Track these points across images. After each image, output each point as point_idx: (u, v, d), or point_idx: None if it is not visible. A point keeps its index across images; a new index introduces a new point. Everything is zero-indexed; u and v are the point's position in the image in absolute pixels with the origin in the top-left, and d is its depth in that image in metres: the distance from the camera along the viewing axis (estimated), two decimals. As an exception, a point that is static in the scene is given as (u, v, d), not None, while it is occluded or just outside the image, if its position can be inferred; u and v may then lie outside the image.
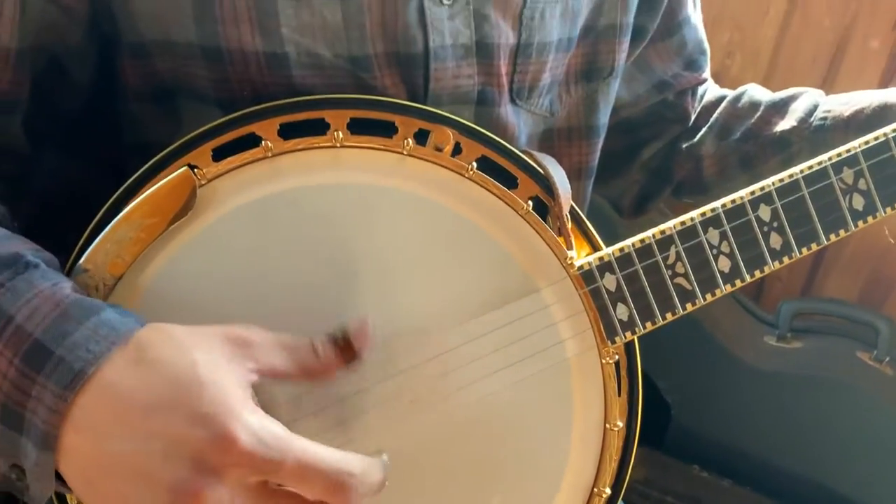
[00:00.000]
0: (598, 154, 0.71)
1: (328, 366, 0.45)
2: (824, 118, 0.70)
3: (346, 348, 0.45)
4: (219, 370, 0.41)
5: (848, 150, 0.56)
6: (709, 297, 0.54)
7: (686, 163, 0.78)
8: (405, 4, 0.54)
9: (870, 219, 0.56)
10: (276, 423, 0.40)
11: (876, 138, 0.56)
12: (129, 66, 0.57)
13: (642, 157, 0.80)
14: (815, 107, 0.72)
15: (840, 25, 1.29)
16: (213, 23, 0.53)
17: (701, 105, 0.79)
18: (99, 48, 0.58)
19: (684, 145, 0.78)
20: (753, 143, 0.74)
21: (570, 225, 0.56)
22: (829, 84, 1.34)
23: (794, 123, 0.72)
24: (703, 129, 0.77)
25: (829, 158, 0.55)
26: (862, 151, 0.55)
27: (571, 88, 0.67)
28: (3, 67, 0.54)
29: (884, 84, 1.31)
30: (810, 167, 0.55)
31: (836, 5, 1.28)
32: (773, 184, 0.55)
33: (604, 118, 0.70)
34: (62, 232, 0.62)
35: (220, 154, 0.52)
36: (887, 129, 0.56)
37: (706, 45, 0.78)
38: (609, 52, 0.67)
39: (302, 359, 0.44)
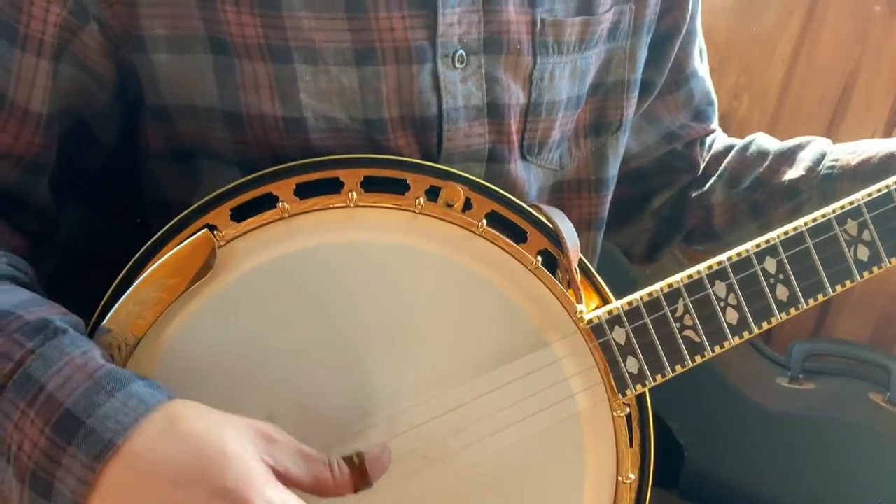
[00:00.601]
0: (607, 205, 0.72)
1: (340, 486, 0.46)
2: (832, 167, 0.71)
3: (361, 473, 0.47)
4: (244, 446, 0.42)
5: (851, 202, 0.57)
6: (717, 350, 0.55)
7: (696, 211, 0.79)
8: (420, 70, 0.56)
9: (875, 269, 0.57)
10: (295, 498, 0.42)
11: (878, 190, 0.57)
12: (151, 127, 0.59)
13: (653, 205, 0.81)
14: (823, 155, 0.73)
15: (845, 69, 1.31)
16: (234, 89, 0.55)
17: (710, 154, 0.81)
18: (123, 110, 0.60)
19: (694, 194, 0.79)
20: (763, 191, 0.75)
21: (579, 278, 0.57)
22: (835, 125, 1.36)
23: (803, 172, 0.73)
24: (713, 179, 0.78)
25: (833, 210, 0.56)
26: (865, 203, 0.57)
27: (581, 142, 0.69)
28: (33, 132, 0.56)
29: (890, 125, 1.32)
30: (814, 219, 0.56)
31: (841, 49, 1.30)
32: (778, 236, 0.56)
33: (613, 170, 0.71)
34: (84, 284, 0.64)
35: (238, 213, 0.54)
36: (889, 181, 0.57)
37: (713, 96, 0.80)
38: (617, 108, 0.69)
39: (317, 472, 0.45)
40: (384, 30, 0.55)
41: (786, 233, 0.56)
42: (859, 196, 0.57)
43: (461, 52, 0.57)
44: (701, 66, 0.78)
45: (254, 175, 0.55)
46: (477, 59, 0.58)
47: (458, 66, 0.58)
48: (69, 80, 0.56)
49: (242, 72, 0.54)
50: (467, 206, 0.56)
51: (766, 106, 1.39)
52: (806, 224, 0.56)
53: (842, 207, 0.56)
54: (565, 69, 0.63)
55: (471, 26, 0.57)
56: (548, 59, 0.62)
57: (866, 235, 0.56)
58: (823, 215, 0.56)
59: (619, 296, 0.61)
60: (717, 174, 0.78)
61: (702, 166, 0.80)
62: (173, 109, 0.57)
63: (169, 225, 0.54)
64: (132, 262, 0.54)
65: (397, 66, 0.56)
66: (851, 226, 0.56)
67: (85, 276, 0.67)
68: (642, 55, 0.69)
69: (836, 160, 0.71)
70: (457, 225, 0.54)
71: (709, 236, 0.80)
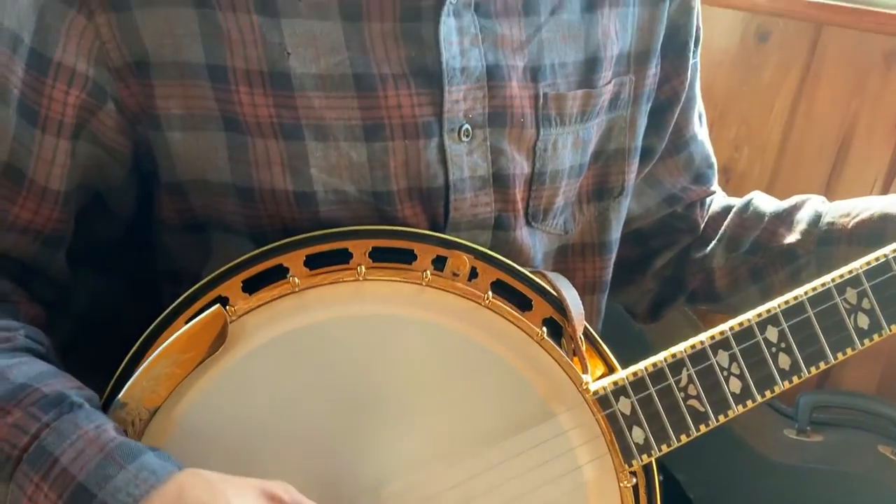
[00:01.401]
0: (611, 269, 0.73)
1: None
2: (828, 231, 0.72)
3: None
4: None
5: (850, 271, 0.58)
6: (721, 419, 0.56)
7: (698, 274, 0.80)
8: (427, 144, 0.58)
9: (875, 337, 0.58)
10: None
11: (877, 259, 0.58)
12: (165, 200, 0.61)
13: (655, 266, 0.82)
14: (819, 217, 0.74)
15: (843, 121, 1.33)
16: (246, 166, 0.57)
17: (709, 215, 0.82)
18: (138, 184, 0.62)
19: (696, 256, 0.80)
20: (762, 255, 0.76)
21: (584, 346, 0.58)
22: (835, 177, 1.37)
23: (800, 236, 0.74)
24: (713, 242, 0.79)
25: (833, 279, 0.57)
26: (864, 272, 0.58)
27: (584, 207, 0.70)
28: (51, 208, 0.58)
29: (890, 176, 1.34)
30: (814, 288, 0.57)
31: (839, 102, 1.33)
32: (779, 305, 0.57)
33: (616, 234, 0.73)
34: (98, 349, 0.65)
35: (249, 285, 0.55)
36: (887, 249, 0.58)
37: (713, 159, 0.81)
38: (619, 174, 0.70)
39: None
40: (392, 107, 0.57)
41: (786, 302, 0.57)
42: (858, 265, 0.58)
43: (467, 126, 0.59)
44: (700, 129, 0.80)
45: (265, 248, 0.56)
46: (482, 133, 0.60)
47: (463, 139, 0.59)
48: (86, 157, 0.58)
49: (255, 149, 0.56)
50: (473, 274, 0.57)
51: (766, 158, 1.41)
52: (806, 293, 0.57)
53: (841, 276, 0.57)
54: (568, 139, 0.65)
55: (476, 102, 0.59)
56: (550, 131, 0.63)
57: (866, 304, 0.57)
58: (823, 284, 0.57)
59: (623, 349, 0.62)
60: (717, 237, 0.79)
61: (702, 227, 0.81)
62: (187, 184, 0.59)
63: (182, 297, 0.56)
64: (146, 333, 0.55)
65: (405, 140, 0.58)
66: (851, 294, 0.57)
67: (98, 340, 0.68)
68: (642, 123, 0.71)
69: (832, 223, 0.72)
70: (463, 297, 0.55)
71: (711, 298, 0.81)
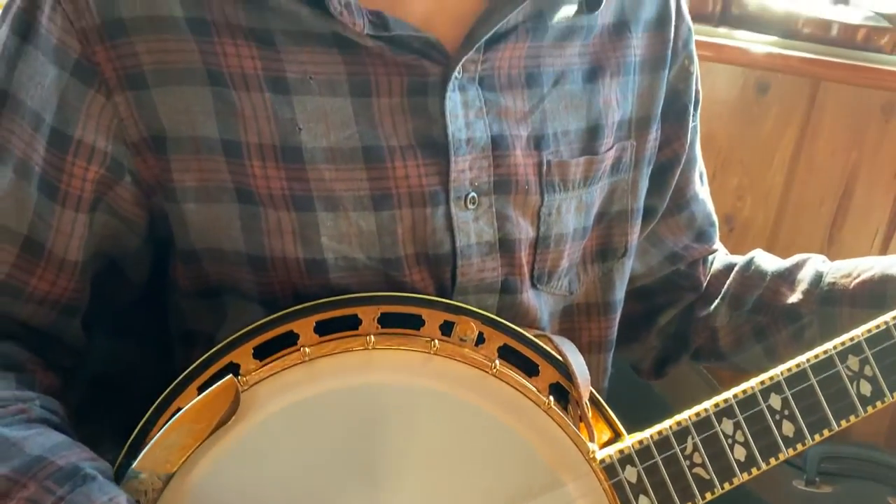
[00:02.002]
0: (616, 328, 0.74)
1: None
2: (830, 291, 0.73)
3: None
4: None
5: (852, 339, 0.59)
6: (727, 486, 0.56)
7: (702, 332, 0.81)
8: (434, 211, 0.59)
9: (878, 404, 0.59)
10: None
11: (877, 326, 0.59)
12: (180, 267, 0.62)
13: (659, 323, 0.83)
14: (820, 277, 0.75)
15: (844, 171, 1.35)
16: (259, 235, 0.58)
17: (711, 273, 0.83)
18: (153, 251, 0.64)
19: (699, 314, 0.81)
20: (765, 314, 0.77)
21: (590, 412, 0.59)
22: (837, 226, 1.38)
23: (802, 296, 0.75)
24: (717, 301, 0.80)
25: (835, 347, 0.58)
26: (865, 339, 0.58)
27: (588, 268, 0.71)
28: (69, 278, 0.59)
29: (891, 226, 1.35)
30: (816, 356, 0.58)
31: (839, 153, 1.34)
32: (782, 373, 0.58)
33: (620, 294, 0.74)
34: (111, 411, 0.66)
35: (260, 352, 0.56)
36: (887, 316, 0.59)
37: (714, 218, 0.83)
38: (622, 235, 0.72)
39: None
40: (400, 177, 0.59)
41: (789, 369, 0.58)
42: (859, 332, 0.59)
43: (473, 194, 0.61)
44: (701, 189, 0.81)
45: (275, 315, 0.57)
46: (488, 200, 0.62)
47: (469, 206, 0.61)
48: (103, 227, 0.60)
49: (267, 219, 0.58)
50: (480, 339, 0.59)
51: (768, 206, 1.42)
52: (808, 360, 0.58)
53: (842, 344, 0.58)
54: (571, 204, 0.66)
55: (481, 171, 0.61)
56: (554, 197, 0.65)
57: (868, 371, 0.58)
58: (825, 352, 0.58)
59: (633, 402, 0.62)
60: (720, 296, 0.80)
61: (704, 285, 0.82)
62: (201, 252, 0.60)
63: (195, 364, 0.57)
64: (158, 400, 0.56)
65: (412, 209, 0.59)
66: (853, 361, 0.58)
67: (112, 402, 0.69)
68: (644, 185, 0.72)
69: (833, 283, 0.73)
70: (471, 366, 0.56)
71: (715, 356, 0.81)
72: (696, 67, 0.75)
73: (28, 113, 0.56)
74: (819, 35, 1.17)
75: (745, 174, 1.42)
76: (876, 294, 0.70)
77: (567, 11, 0.63)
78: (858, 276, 0.72)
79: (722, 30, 1.23)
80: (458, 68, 0.58)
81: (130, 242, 0.62)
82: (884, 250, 1.37)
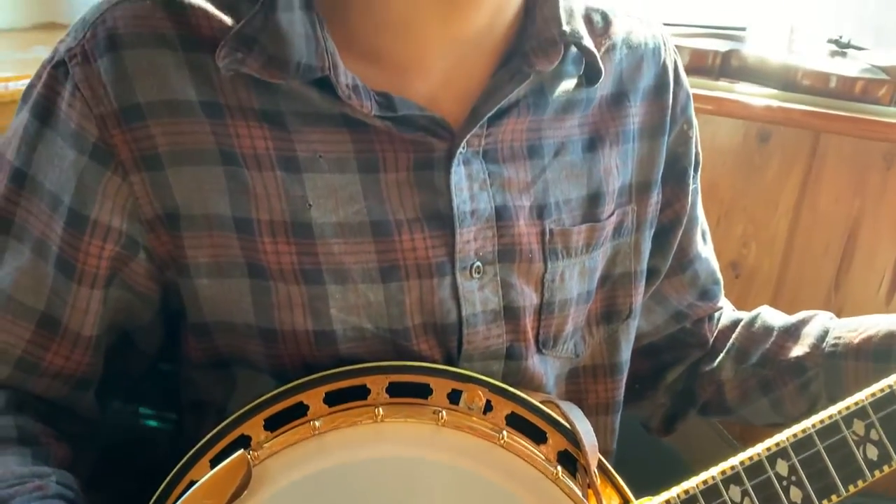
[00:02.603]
0: (623, 389, 0.75)
1: None
2: (835, 345, 0.74)
3: None
4: None
5: (856, 403, 0.59)
6: (736, 555, 0.56)
7: (708, 386, 0.81)
8: (440, 282, 0.61)
9: (885, 468, 0.59)
10: None
11: (882, 390, 0.59)
12: (191, 339, 0.63)
13: (666, 380, 0.83)
14: (826, 332, 0.76)
15: (848, 218, 1.36)
16: (269, 309, 0.59)
17: (717, 329, 0.84)
18: (165, 323, 0.65)
19: (705, 369, 0.82)
20: (770, 368, 0.77)
21: (598, 480, 0.59)
22: (843, 272, 1.39)
23: (808, 350, 0.75)
24: (722, 355, 0.81)
25: (840, 411, 0.59)
26: (870, 403, 0.59)
27: (593, 330, 0.72)
28: (83, 353, 0.60)
29: (897, 272, 1.35)
30: (822, 421, 0.58)
31: (842, 200, 1.36)
32: (788, 439, 0.58)
33: (626, 355, 0.74)
34: (122, 480, 0.67)
35: (271, 423, 0.57)
36: (891, 379, 0.60)
37: (719, 275, 0.84)
38: (626, 297, 0.73)
39: None
40: (407, 250, 0.60)
41: (795, 435, 0.58)
42: (864, 396, 0.59)
43: (478, 263, 0.62)
44: (704, 248, 0.82)
45: (286, 387, 0.58)
46: (492, 269, 0.63)
47: (475, 276, 0.62)
48: (117, 301, 0.61)
49: (278, 293, 0.59)
50: (488, 407, 0.59)
51: (773, 253, 1.43)
52: (814, 426, 0.58)
53: (847, 408, 0.59)
54: (574, 270, 0.67)
55: (486, 241, 0.62)
56: (558, 264, 0.66)
57: (874, 435, 0.58)
58: (830, 416, 0.58)
59: (641, 461, 0.62)
60: (725, 350, 0.81)
61: (711, 341, 0.83)
62: (212, 325, 0.61)
63: (206, 438, 0.58)
64: (170, 476, 0.57)
65: (419, 280, 0.61)
66: (859, 426, 0.58)
67: (123, 470, 0.70)
68: (647, 247, 0.73)
69: (839, 338, 0.74)
70: (479, 437, 0.57)
71: (723, 410, 0.82)
72: (696, 131, 0.77)
73: (47, 194, 0.57)
74: (818, 87, 1.19)
75: (750, 222, 1.43)
76: (881, 349, 0.71)
77: (567, 85, 0.65)
78: (864, 331, 0.73)
79: (722, 83, 1.25)
80: (462, 144, 0.60)
81: (143, 315, 0.63)
82: (891, 295, 1.38)
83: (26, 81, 0.95)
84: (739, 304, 1.46)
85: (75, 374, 0.61)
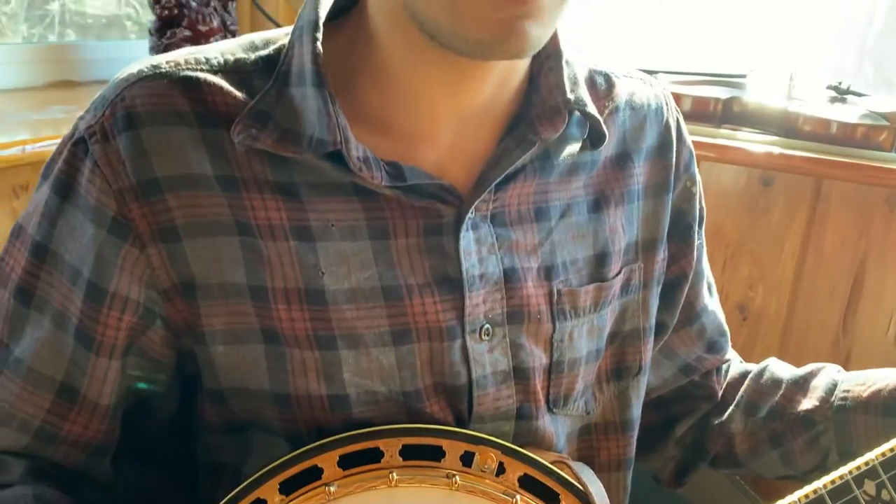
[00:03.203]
0: (634, 445, 0.75)
1: None
2: (844, 398, 0.74)
3: None
4: None
5: (867, 463, 0.59)
6: None
7: (718, 439, 0.82)
8: (451, 345, 0.62)
9: (898, 527, 0.59)
10: None
11: (891, 450, 0.60)
12: (206, 404, 0.64)
13: (676, 433, 0.84)
14: (835, 385, 0.76)
15: (853, 261, 1.36)
16: (284, 374, 0.60)
17: (726, 381, 0.84)
18: (181, 387, 0.66)
19: (715, 422, 0.82)
20: (780, 421, 0.78)
21: (611, 542, 0.59)
22: (851, 314, 1.39)
23: (817, 403, 0.76)
24: (731, 407, 0.81)
25: (850, 472, 0.59)
26: (880, 463, 0.59)
27: (604, 387, 0.73)
28: (101, 421, 0.61)
29: (905, 314, 1.35)
30: (833, 481, 0.59)
31: (847, 243, 1.36)
32: (800, 499, 0.58)
33: (637, 411, 0.75)
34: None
35: (286, 487, 0.58)
36: (899, 439, 0.60)
37: (725, 328, 0.84)
38: (636, 353, 0.73)
39: None
40: (418, 314, 0.61)
41: (806, 496, 0.58)
42: (874, 456, 0.59)
43: (487, 325, 0.63)
44: (711, 300, 0.83)
45: (300, 450, 0.59)
46: (502, 330, 0.64)
47: (484, 338, 0.63)
48: (134, 368, 0.62)
49: (292, 359, 0.60)
50: (501, 469, 0.60)
51: (780, 295, 1.44)
52: (825, 486, 0.58)
53: (858, 468, 0.59)
54: (583, 329, 0.68)
55: (495, 303, 0.63)
56: (566, 323, 0.67)
57: (885, 495, 0.59)
58: (841, 477, 0.59)
59: None
60: (734, 403, 0.81)
61: (720, 394, 0.84)
62: (228, 391, 0.62)
63: (223, 502, 0.58)
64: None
65: (430, 342, 0.61)
66: (870, 486, 0.59)
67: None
68: (654, 304, 0.74)
69: (848, 391, 0.75)
70: (493, 501, 0.57)
71: (733, 463, 0.82)
72: (699, 187, 0.78)
73: (67, 267, 0.59)
74: (820, 133, 1.21)
75: (756, 264, 1.44)
76: (890, 403, 0.71)
77: (572, 148, 0.67)
78: (873, 384, 0.73)
79: (724, 130, 1.27)
80: (471, 210, 0.61)
81: (159, 380, 0.64)
82: (900, 336, 1.38)
83: (43, 144, 0.97)
84: (748, 347, 1.47)
85: (93, 442, 0.62)
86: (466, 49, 0.54)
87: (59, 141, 0.61)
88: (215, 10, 1.39)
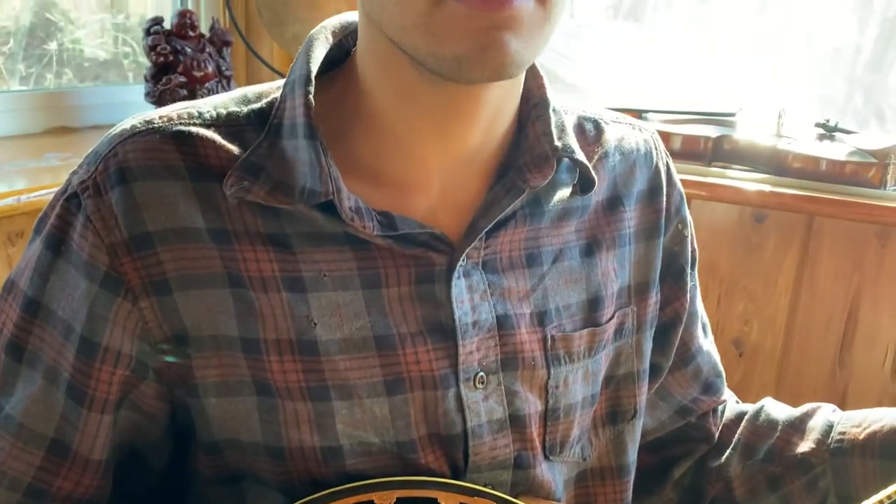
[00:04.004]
0: (630, 491, 0.74)
1: None
2: (841, 441, 0.74)
3: None
4: None
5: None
6: None
7: (716, 482, 0.81)
8: (445, 394, 0.61)
9: (902, 572, 0.58)
10: None
11: (889, 497, 0.59)
12: (200, 456, 0.64)
13: (674, 476, 0.83)
14: (831, 426, 0.76)
15: (847, 295, 1.37)
16: (276, 426, 0.60)
17: (722, 423, 0.84)
18: (174, 439, 0.65)
19: (712, 465, 0.81)
20: (777, 464, 0.77)
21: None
22: (846, 348, 1.39)
23: (813, 445, 0.75)
24: (728, 450, 0.81)
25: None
26: (884, 507, 0.59)
27: (599, 432, 0.72)
28: (93, 476, 0.61)
29: (900, 348, 1.36)
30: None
31: (840, 278, 1.37)
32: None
33: (633, 456, 0.74)
34: None
35: (279, 543, 0.57)
36: (891, 489, 0.60)
37: (721, 368, 0.84)
38: (631, 397, 0.73)
39: None
40: (411, 363, 0.61)
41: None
42: (882, 496, 0.59)
43: (481, 373, 0.63)
44: (706, 341, 0.83)
45: (294, 504, 0.59)
46: (496, 378, 0.64)
47: (479, 386, 0.63)
48: (126, 422, 0.62)
49: (284, 411, 0.60)
50: (497, 520, 0.59)
51: (776, 330, 1.44)
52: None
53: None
54: (578, 374, 0.68)
55: (488, 350, 0.63)
56: (561, 369, 0.67)
57: (889, 540, 0.58)
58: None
59: None
60: (731, 445, 0.81)
61: (716, 436, 0.83)
62: (221, 443, 0.62)
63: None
64: None
65: (424, 392, 0.61)
66: (872, 532, 0.58)
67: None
68: (648, 347, 0.74)
69: (844, 434, 0.74)
70: (488, 558, 0.57)
71: (732, 507, 0.81)
72: (691, 229, 0.79)
73: (59, 322, 0.59)
74: (809, 170, 1.22)
75: (751, 300, 1.44)
76: (887, 445, 0.71)
77: (562, 194, 0.67)
78: (868, 426, 0.73)
79: (714, 168, 1.28)
80: (462, 257, 0.62)
81: (152, 433, 0.64)
82: (895, 370, 1.38)
83: (39, 193, 0.98)
84: (745, 382, 1.47)
85: (84, 497, 0.61)
86: (446, 69, 0.53)
87: (54, 190, 0.62)
88: (210, 55, 1.41)
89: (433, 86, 0.56)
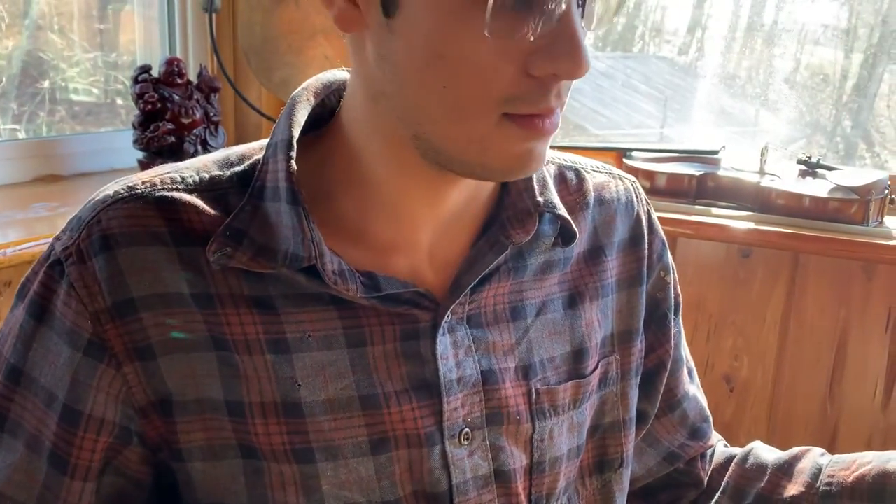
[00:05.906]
0: (620, 541, 0.74)
1: None
2: (829, 484, 0.74)
3: None
4: None
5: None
6: None
7: (707, 528, 0.81)
8: (430, 451, 0.61)
9: None
10: None
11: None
12: (185, 520, 0.63)
13: (664, 522, 0.83)
14: (819, 470, 0.76)
15: (835, 328, 1.38)
16: (262, 489, 0.60)
17: (711, 467, 0.84)
18: (159, 499, 0.65)
19: (702, 510, 0.81)
20: (767, 508, 0.77)
21: None
22: (836, 381, 1.40)
23: (803, 489, 0.75)
24: (717, 494, 0.81)
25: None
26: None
27: (587, 482, 0.72)
28: (76, 543, 0.60)
29: (890, 379, 1.36)
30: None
31: (828, 310, 1.38)
32: None
33: (621, 504, 0.74)
34: None
35: None
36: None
37: (708, 413, 0.84)
38: (617, 445, 0.73)
39: None
40: (396, 421, 0.61)
41: None
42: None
43: (466, 429, 0.63)
44: (692, 386, 0.83)
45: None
46: (481, 434, 0.64)
47: (464, 442, 0.63)
48: (109, 488, 0.61)
49: (270, 473, 0.60)
50: (484, 577, 0.59)
51: (766, 365, 1.44)
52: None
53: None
54: (563, 426, 0.68)
55: (473, 406, 0.63)
56: (546, 423, 0.67)
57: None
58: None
59: None
60: (721, 489, 0.81)
61: (705, 481, 0.83)
62: (206, 506, 0.61)
63: None
64: None
65: (409, 450, 0.61)
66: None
67: None
68: (633, 395, 0.74)
69: (832, 477, 0.74)
70: None
71: (723, 553, 0.81)
72: (674, 275, 0.79)
73: (41, 391, 0.59)
74: (793, 207, 1.23)
75: (740, 335, 1.45)
76: (874, 489, 0.71)
77: (544, 247, 0.68)
78: (857, 469, 0.73)
79: (699, 206, 1.29)
80: (447, 313, 0.62)
81: (137, 498, 0.63)
82: (886, 402, 1.38)
83: (26, 246, 0.98)
84: (737, 417, 1.47)
85: (67, 565, 0.61)
86: (486, 175, 0.59)
87: (42, 242, 0.62)
88: (198, 102, 1.42)
89: (440, 170, 0.58)
